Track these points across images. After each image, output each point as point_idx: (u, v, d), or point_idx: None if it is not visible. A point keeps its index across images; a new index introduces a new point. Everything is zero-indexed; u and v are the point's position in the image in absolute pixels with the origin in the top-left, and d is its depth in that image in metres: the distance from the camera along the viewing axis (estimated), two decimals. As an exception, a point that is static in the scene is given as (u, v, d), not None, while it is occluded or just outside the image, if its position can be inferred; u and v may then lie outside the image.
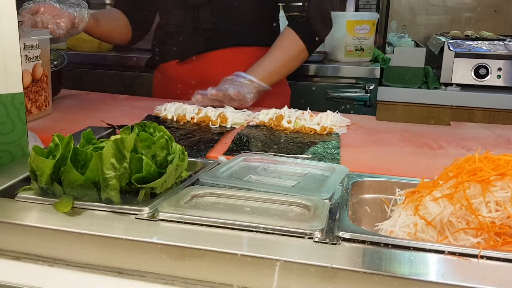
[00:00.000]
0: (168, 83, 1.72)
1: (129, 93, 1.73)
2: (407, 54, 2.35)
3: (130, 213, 0.68)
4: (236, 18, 1.63)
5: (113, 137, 0.72)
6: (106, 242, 0.63)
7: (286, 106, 1.33)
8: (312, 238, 0.61)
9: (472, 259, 0.59)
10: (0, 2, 0.81)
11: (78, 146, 0.74)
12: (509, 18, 2.71)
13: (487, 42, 2.28)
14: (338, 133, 1.21)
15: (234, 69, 1.62)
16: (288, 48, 1.60)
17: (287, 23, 1.68)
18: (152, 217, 0.67)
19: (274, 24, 1.74)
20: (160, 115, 1.33)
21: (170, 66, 1.70)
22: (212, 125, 1.26)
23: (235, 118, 1.29)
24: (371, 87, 2.26)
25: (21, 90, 0.86)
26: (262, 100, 1.64)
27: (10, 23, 0.82)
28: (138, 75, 2.36)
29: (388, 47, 2.41)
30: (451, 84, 2.32)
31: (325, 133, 1.21)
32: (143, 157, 0.71)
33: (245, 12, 1.64)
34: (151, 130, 0.80)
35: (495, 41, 2.29)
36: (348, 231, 0.63)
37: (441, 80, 2.32)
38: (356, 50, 2.34)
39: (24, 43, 1.18)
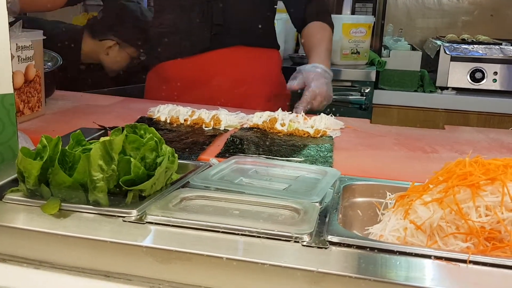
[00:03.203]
0: (165, 83, 1.68)
1: (123, 94, 1.72)
2: (403, 58, 2.35)
3: (118, 216, 0.67)
4: (244, 17, 1.64)
5: (102, 139, 0.72)
6: (93, 245, 0.62)
7: (280, 108, 1.33)
8: (300, 242, 0.61)
9: (461, 264, 0.58)
10: (-10, 2, 0.80)
11: (67, 147, 0.74)
12: (505, 22, 2.71)
13: (483, 46, 2.28)
14: (331, 136, 1.21)
15: (237, 68, 1.62)
16: (326, 35, 1.69)
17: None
18: (140, 220, 0.66)
19: (272, 27, 1.75)
20: (154, 117, 1.33)
21: (169, 65, 1.66)
22: (206, 127, 1.25)
23: (229, 120, 1.28)
24: (366, 90, 2.26)
25: (11, 91, 0.86)
26: (264, 102, 1.64)
27: (0, 24, 0.82)
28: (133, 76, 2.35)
29: (384, 50, 2.41)
30: (447, 88, 2.32)
31: (318, 136, 1.20)
32: (132, 159, 0.70)
33: (251, 12, 1.66)
34: (142, 132, 0.80)
35: (491, 45, 2.29)
36: (337, 235, 0.62)
37: (437, 84, 2.32)
38: (352, 53, 2.34)
39: (16, 44, 1.18)
